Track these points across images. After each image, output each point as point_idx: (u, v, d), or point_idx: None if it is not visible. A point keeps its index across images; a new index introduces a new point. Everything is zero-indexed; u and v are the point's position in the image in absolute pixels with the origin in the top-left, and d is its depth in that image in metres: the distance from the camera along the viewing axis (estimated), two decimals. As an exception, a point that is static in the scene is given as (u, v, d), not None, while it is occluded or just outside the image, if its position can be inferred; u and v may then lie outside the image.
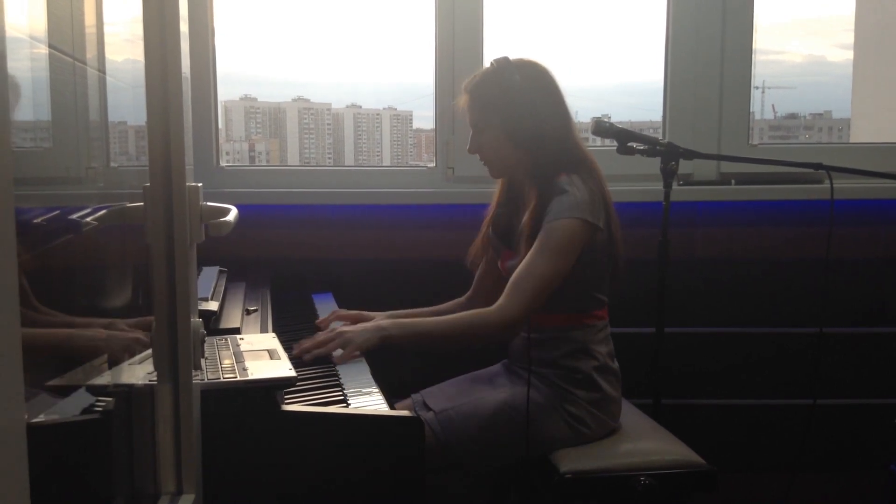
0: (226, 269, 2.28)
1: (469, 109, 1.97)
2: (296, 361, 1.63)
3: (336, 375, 1.71)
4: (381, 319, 1.94)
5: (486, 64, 1.99)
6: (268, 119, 4.51)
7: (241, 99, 4.43)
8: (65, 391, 0.99)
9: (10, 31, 0.68)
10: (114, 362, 1.15)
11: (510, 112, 1.89)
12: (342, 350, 1.79)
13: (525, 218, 1.89)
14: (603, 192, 1.89)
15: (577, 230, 1.81)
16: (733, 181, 2.59)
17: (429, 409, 1.92)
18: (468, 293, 2.18)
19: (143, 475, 1.17)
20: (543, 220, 1.84)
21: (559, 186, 1.85)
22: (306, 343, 1.81)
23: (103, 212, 1.14)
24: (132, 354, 1.18)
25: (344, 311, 2.12)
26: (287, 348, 1.61)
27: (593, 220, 1.82)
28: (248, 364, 1.46)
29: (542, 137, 1.89)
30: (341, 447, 1.42)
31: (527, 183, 1.95)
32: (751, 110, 2.64)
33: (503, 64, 1.92)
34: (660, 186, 2.10)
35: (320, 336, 1.83)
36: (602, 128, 2.08)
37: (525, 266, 1.82)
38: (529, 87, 1.89)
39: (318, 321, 2.10)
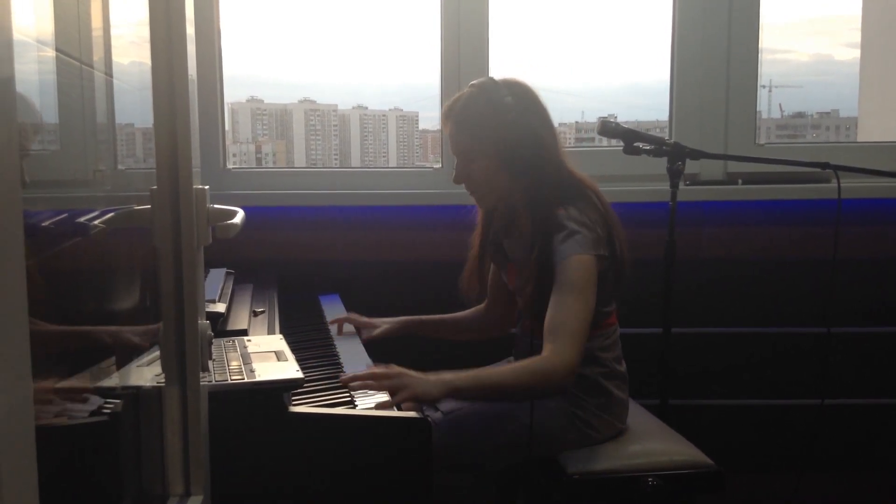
0: (233, 270, 2.28)
1: (454, 137, 1.83)
2: (303, 363, 1.63)
3: (343, 377, 1.71)
4: (444, 373, 1.69)
5: (469, 87, 1.84)
6: (274, 121, 4.52)
7: (248, 101, 4.44)
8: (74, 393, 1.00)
9: (17, 34, 0.68)
10: (122, 364, 1.16)
11: (503, 136, 1.77)
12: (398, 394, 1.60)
13: (532, 255, 1.81)
14: (604, 215, 1.82)
15: (590, 264, 1.76)
16: (740, 181, 2.58)
17: (436, 409, 1.92)
18: (486, 303, 2.15)
19: (151, 477, 1.17)
20: (553, 259, 1.76)
21: (558, 223, 1.77)
22: (361, 375, 1.65)
23: (111, 214, 1.14)
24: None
25: (356, 316, 2.13)
26: (294, 349, 1.62)
27: (599, 252, 1.78)
28: (255, 366, 1.46)
29: (539, 160, 1.78)
30: (349, 448, 1.42)
31: (521, 210, 1.88)
32: (757, 109, 2.63)
33: (490, 85, 1.79)
34: (666, 186, 2.09)
35: (377, 370, 1.66)
36: (608, 128, 2.08)
37: (559, 308, 1.74)
38: (521, 107, 1.77)
39: (331, 321, 2.13)
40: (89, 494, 1.02)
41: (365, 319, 2.13)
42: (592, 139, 2.38)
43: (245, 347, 1.60)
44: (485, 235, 2.00)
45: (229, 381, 1.38)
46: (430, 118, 2.73)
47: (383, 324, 2.13)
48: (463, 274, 2.04)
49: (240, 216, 1.22)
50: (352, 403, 1.54)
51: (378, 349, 1.99)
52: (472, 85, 1.84)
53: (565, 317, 1.73)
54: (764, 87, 2.69)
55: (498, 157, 1.79)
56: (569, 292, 1.74)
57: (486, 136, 1.79)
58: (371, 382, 1.61)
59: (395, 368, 1.67)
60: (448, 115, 1.84)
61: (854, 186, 2.41)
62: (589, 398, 1.86)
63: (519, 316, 2.07)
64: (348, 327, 2.13)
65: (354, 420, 1.44)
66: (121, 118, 1.26)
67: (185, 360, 1.13)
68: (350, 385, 1.61)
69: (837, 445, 2.62)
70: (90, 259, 1.10)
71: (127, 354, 1.18)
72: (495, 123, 1.77)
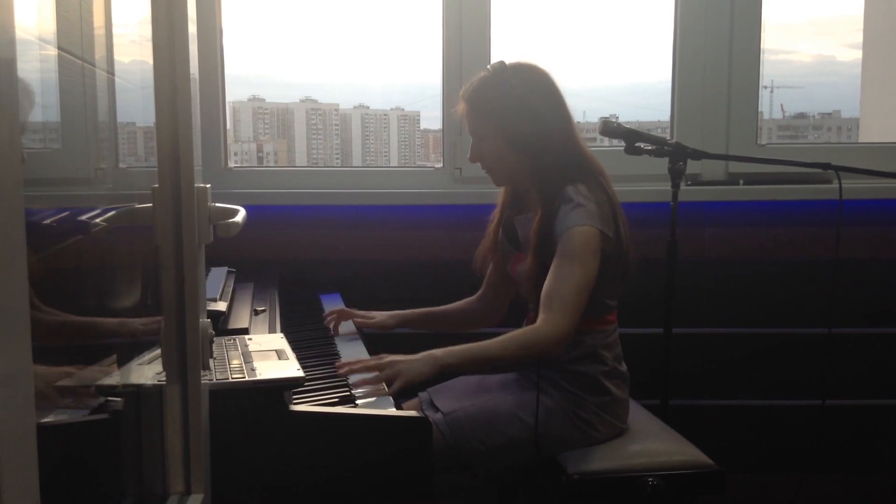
0: (234, 269, 2.29)
1: (468, 117, 1.93)
2: (303, 361, 1.63)
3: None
4: (433, 350, 1.75)
5: (484, 70, 1.95)
6: (276, 120, 4.53)
7: (250, 100, 4.44)
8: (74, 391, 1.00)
9: (20, 33, 0.68)
10: (123, 362, 1.16)
11: (509, 117, 1.86)
12: (393, 382, 1.66)
13: (533, 226, 1.88)
14: (610, 198, 1.87)
15: (594, 237, 1.79)
16: (741, 181, 2.58)
17: (436, 409, 1.92)
18: (479, 293, 2.17)
19: (151, 475, 1.17)
20: (555, 230, 1.81)
21: (566, 196, 1.82)
22: (355, 364, 1.71)
23: (112, 213, 1.14)
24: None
25: (350, 310, 2.14)
26: (295, 348, 1.62)
27: (604, 229, 1.80)
28: (256, 364, 1.46)
29: (544, 142, 1.86)
30: (349, 447, 1.42)
31: (531, 189, 1.94)
32: (759, 110, 2.63)
33: (499, 69, 1.88)
34: (668, 186, 2.09)
35: (369, 362, 1.72)
36: (610, 128, 2.08)
37: (556, 278, 1.78)
38: (527, 91, 1.86)
39: (325, 314, 2.15)
40: (90, 492, 1.03)
41: (359, 312, 2.14)
42: (594, 139, 2.38)
43: (246, 346, 1.60)
44: (503, 213, 2.05)
45: (230, 380, 1.38)
46: (432, 118, 2.72)
47: (379, 315, 2.14)
48: (478, 249, 2.09)
49: (241, 215, 1.22)
50: (352, 402, 1.54)
51: (377, 348, 1.99)
52: (486, 68, 1.93)
53: (562, 285, 1.77)
54: (766, 87, 2.69)
55: (503, 136, 1.88)
56: (569, 261, 1.78)
57: (493, 117, 1.88)
58: (367, 378, 1.66)
59: (385, 358, 1.72)
60: (462, 96, 1.94)
61: (855, 187, 2.41)
62: (590, 397, 1.87)
63: (527, 310, 2.07)
64: (347, 326, 2.13)
65: (355, 419, 1.44)
66: (122, 116, 1.27)
67: (187, 358, 1.13)
68: (340, 372, 1.70)
69: (838, 446, 2.62)
70: (92, 257, 1.10)
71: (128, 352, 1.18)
72: (500, 105, 1.86)
